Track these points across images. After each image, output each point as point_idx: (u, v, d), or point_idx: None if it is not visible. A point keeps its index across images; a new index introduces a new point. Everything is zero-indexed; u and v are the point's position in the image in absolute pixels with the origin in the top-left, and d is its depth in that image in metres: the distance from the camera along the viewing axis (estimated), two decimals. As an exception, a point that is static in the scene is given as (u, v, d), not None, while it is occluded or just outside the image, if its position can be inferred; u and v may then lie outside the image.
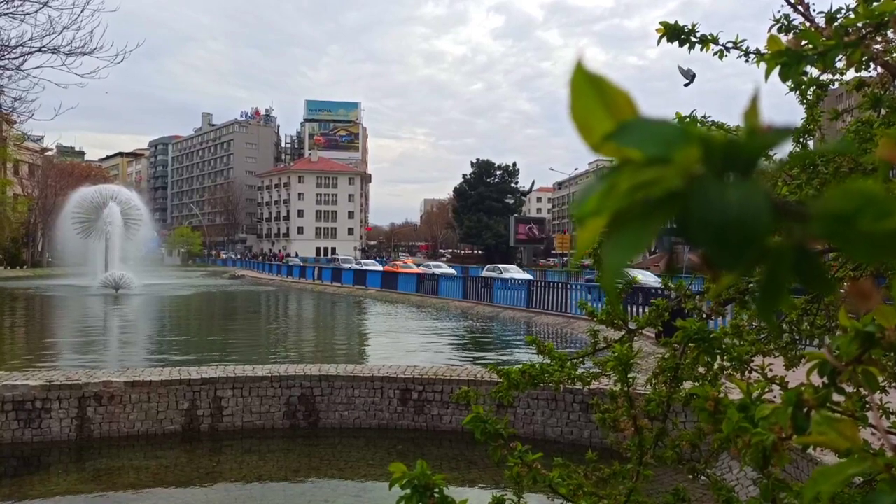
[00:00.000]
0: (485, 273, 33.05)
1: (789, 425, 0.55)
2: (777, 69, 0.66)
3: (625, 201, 0.30)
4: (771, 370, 1.71)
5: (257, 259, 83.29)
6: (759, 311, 0.31)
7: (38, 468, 7.76)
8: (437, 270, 39.42)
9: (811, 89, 2.08)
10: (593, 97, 0.31)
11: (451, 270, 42.14)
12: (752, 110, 0.31)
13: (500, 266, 35.24)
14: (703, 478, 1.96)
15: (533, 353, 2.32)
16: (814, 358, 0.56)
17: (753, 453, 0.62)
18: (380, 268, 45.92)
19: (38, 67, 12.92)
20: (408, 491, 1.09)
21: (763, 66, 1.54)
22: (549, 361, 2.18)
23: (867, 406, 1.52)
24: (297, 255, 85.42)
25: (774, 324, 0.33)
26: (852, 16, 1.32)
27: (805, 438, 0.44)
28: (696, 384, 1.93)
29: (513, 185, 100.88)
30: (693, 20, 1.67)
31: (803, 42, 0.67)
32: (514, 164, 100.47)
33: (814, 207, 0.29)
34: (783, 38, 1.40)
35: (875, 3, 0.70)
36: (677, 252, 0.32)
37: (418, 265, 49.89)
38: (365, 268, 44.15)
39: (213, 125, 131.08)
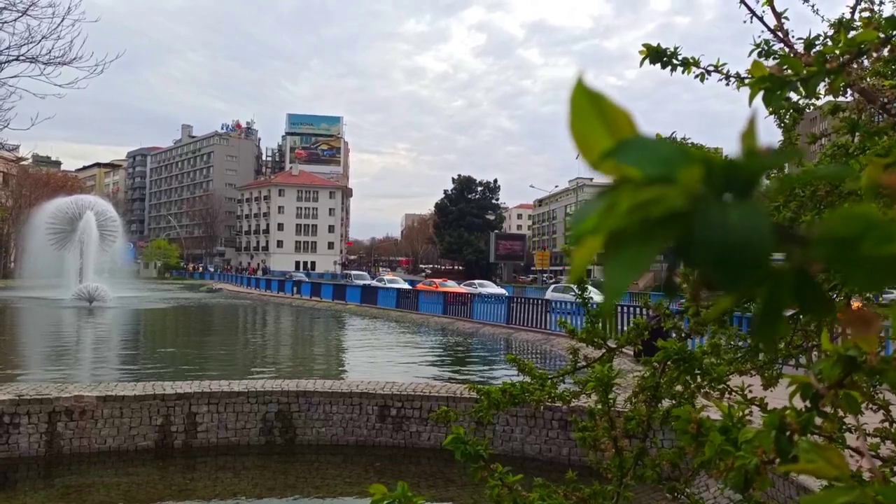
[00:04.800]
0: (551, 294, 27.36)
1: (772, 449, 0.55)
2: (760, 94, 0.67)
3: (624, 221, 0.29)
4: (750, 391, 1.72)
5: (230, 272, 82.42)
6: (759, 334, 0.30)
7: (4, 485, 7.55)
8: (483, 290, 33.39)
9: (788, 113, 2.12)
10: (593, 115, 0.31)
11: (501, 290, 35.24)
12: (750, 132, 0.31)
13: (572, 287, 30.93)
14: (682, 497, 1.96)
15: (510, 370, 2.31)
16: (796, 381, 0.56)
17: (736, 476, 0.62)
18: (406, 286, 39.52)
19: (15, 76, 12.77)
20: (387, 512, 1.07)
21: (743, 89, 1.56)
22: (529, 380, 2.17)
23: (844, 428, 1.54)
24: (269, 269, 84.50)
25: (774, 347, 0.33)
26: (830, 43, 1.35)
27: (793, 466, 0.44)
28: (674, 402, 1.94)
29: (493, 201, 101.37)
30: (671, 42, 1.70)
31: (785, 68, 0.68)
32: (496, 181, 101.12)
33: (815, 231, 0.29)
34: (766, 63, 1.42)
35: (853, 33, 0.72)
36: (675, 273, 0.32)
37: (458, 283, 42.17)
38: (391, 286, 37.92)
39: (194, 137, 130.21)
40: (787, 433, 0.55)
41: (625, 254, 0.30)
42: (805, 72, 0.55)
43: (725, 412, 0.81)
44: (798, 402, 0.60)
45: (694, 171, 0.29)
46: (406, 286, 39.23)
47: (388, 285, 38.57)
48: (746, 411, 0.95)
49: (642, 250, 0.29)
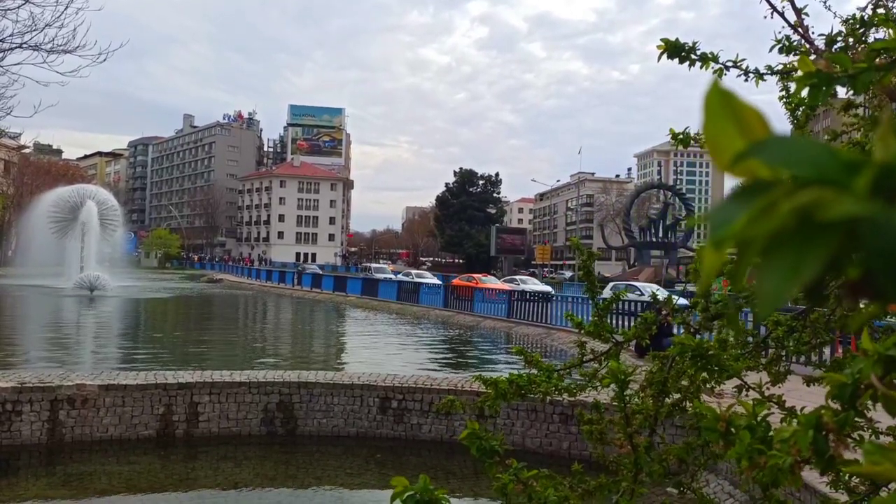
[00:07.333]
0: (609, 292, 23.20)
1: (808, 448, 0.55)
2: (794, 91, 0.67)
3: (780, 225, 0.27)
4: (767, 388, 1.72)
5: (227, 262, 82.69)
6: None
7: (6, 472, 7.57)
8: (526, 287, 29.05)
9: (800, 110, 2.11)
10: (726, 116, 0.30)
11: (547, 287, 31.32)
12: (888, 132, 0.29)
13: (636, 284, 26.78)
14: (689, 492, 1.96)
15: (510, 364, 2.31)
16: (833, 380, 0.56)
17: (768, 474, 0.61)
18: (437, 281, 35.50)
19: (18, 64, 12.70)
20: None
21: (762, 84, 1.55)
22: (535, 372, 2.17)
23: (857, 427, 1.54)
24: (271, 260, 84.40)
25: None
26: (851, 41, 1.34)
27: (858, 468, 0.43)
28: (678, 397, 1.94)
29: (495, 195, 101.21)
30: (676, 38, 1.69)
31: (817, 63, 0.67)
32: (497, 175, 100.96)
33: None
34: (786, 59, 1.41)
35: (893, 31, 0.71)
36: (825, 279, 0.30)
37: (500, 279, 37.54)
38: (418, 280, 35.14)
39: (195, 127, 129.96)
40: (823, 433, 0.55)
41: (784, 260, 0.28)
42: (853, 68, 0.54)
43: (749, 410, 0.81)
44: (804, 399, 0.59)
45: (868, 175, 0.27)
46: (436, 281, 35.67)
47: (416, 280, 35.81)
48: (764, 412, 0.94)
49: (806, 256, 0.28)
